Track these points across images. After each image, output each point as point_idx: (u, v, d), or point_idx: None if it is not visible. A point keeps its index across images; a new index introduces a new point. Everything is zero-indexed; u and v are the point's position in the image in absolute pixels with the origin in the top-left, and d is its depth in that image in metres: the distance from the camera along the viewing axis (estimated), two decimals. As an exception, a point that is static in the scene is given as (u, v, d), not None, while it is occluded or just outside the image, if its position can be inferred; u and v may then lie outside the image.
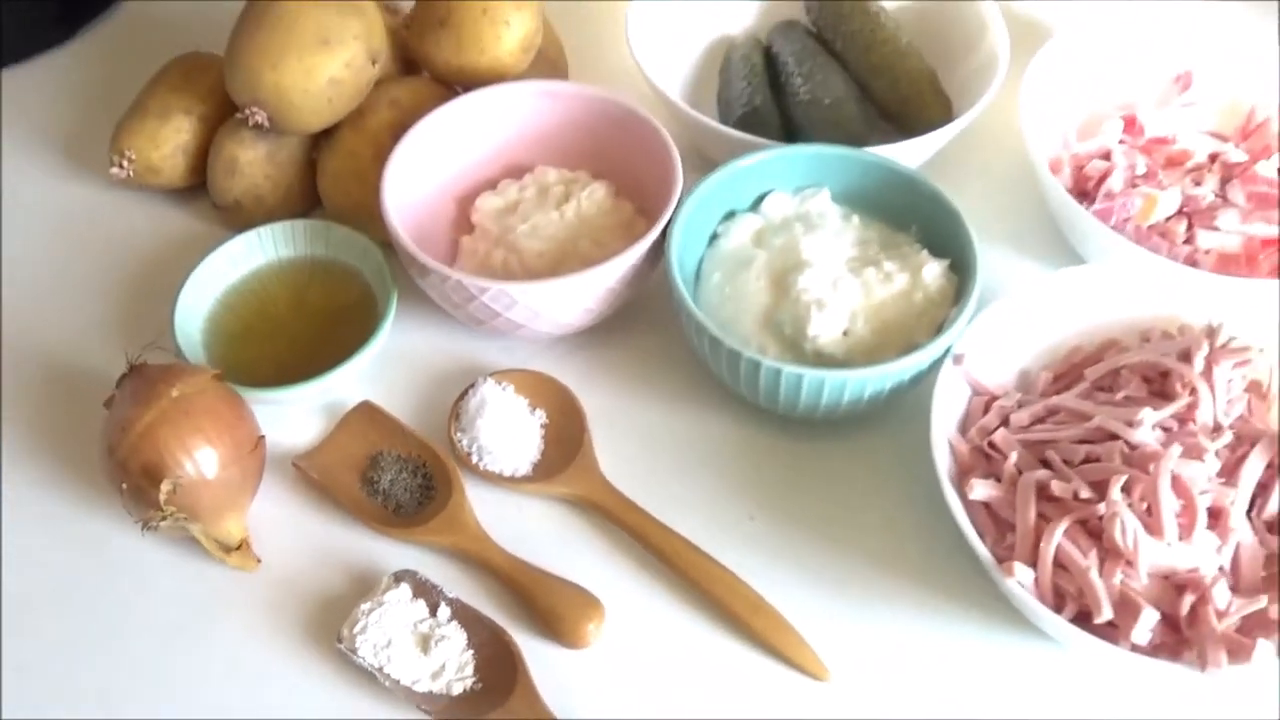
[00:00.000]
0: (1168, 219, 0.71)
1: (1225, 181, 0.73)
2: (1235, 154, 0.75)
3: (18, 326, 0.73)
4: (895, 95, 0.77)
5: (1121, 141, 0.75)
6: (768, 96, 0.77)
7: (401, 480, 0.66)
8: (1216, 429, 0.60)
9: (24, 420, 0.68)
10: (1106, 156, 0.74)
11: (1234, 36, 0.79)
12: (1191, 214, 0.71)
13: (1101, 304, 0.67)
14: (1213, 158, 0.75)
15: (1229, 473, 0.59)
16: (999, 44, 0.76)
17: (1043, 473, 0.58)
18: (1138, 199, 0.71)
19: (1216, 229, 0.71)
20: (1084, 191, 0.74)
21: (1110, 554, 0.56)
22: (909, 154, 0.72)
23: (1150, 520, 0.56)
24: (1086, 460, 0.59)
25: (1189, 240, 0.71)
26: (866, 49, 0.77)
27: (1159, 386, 0.62)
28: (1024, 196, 0.76)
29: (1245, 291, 0.67)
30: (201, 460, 0.60)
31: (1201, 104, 0.78)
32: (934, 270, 0.65)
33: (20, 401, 0.69)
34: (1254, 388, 0.64)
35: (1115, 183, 0.72)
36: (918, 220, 0.68)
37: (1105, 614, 0.54)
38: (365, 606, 0.60)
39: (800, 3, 0.83)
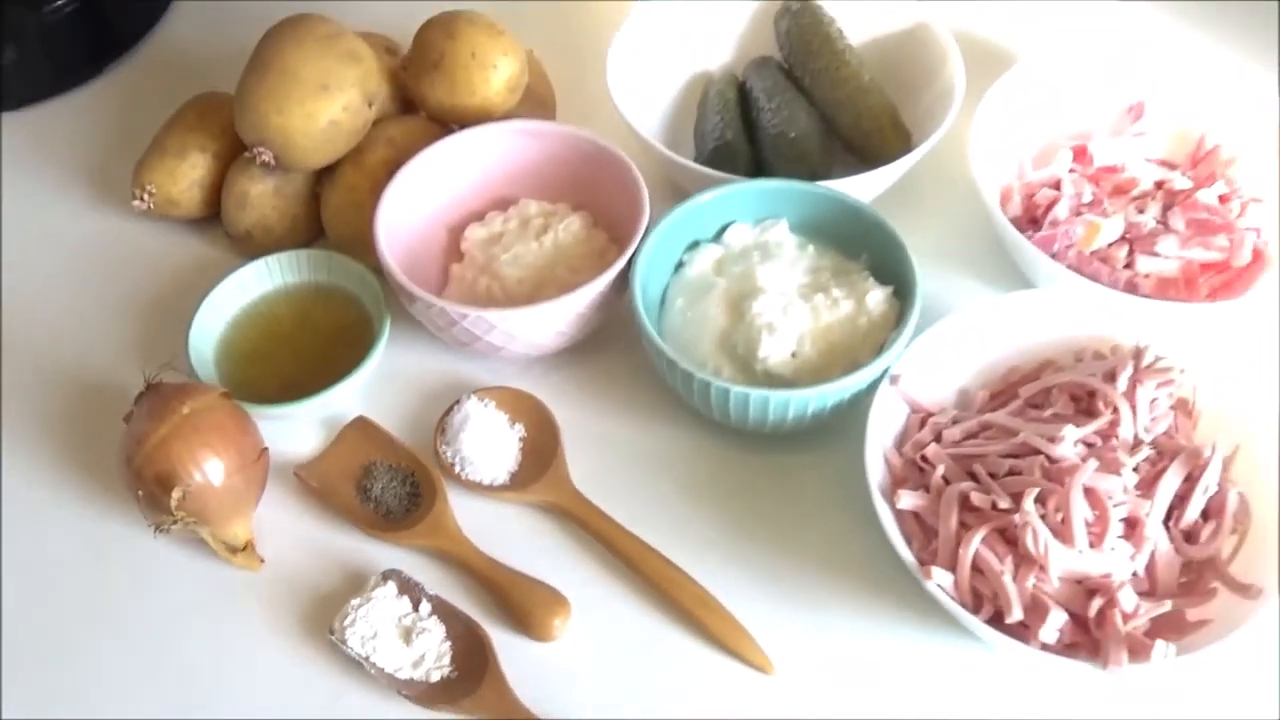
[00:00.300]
0: (1110, 245, 0.77)
1: (1167, 208, 0.79)
2: (1181, 181, 0.80)
3: (47, 345, 0.81)
4: (858, 129, 0.83)
5: (1072, 170, 0.81)
6: (739, 130, 0.84)
7: (392, 488, 0.73)
8: (1137, 445, 0.67)
9: (50, 432, 0.77)
10: (1056, 185, 0.81)
11: (1186, 66, 0.85)
12: (1133, 240, 0.77)
13: (1040, 326, 0.73)
14: (1159, 185, 0.81)
15: (1147, 485, 0.66)
16: (956, 77, 0.82)
17: (966, 484, 0.65)
18: (1080, 226, 0.77)
19: (1156, 254, 0.77)
20: (1034, 219, 0.80)
21: (1025, 560, 0.62)
22: (869, 185, 0.79)
23: (1063, 529, 0.62)
24: (1011, 473, 0.66)
25: (1130, 265, 0.77)
26: (832, 85, 0.84)
27: (1086, 405, 0.69)
28: (979, 223, 0.82)
29: (1177, 315, 0.73)
30: (209, 470, 0.68)
31: (1153, 133, 0.84)
32: (877, 297, 0.72)
33: (47, 414, 0.78)
34: (1180, 405, 0.70)
35: (1061, 210, 0.78)
36: (868, 249, 0.75)
37: (1015, 614, 0.61)
38: (355, 602, 0.68)
39: (775, 40, 0.90)
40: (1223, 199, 0.79)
